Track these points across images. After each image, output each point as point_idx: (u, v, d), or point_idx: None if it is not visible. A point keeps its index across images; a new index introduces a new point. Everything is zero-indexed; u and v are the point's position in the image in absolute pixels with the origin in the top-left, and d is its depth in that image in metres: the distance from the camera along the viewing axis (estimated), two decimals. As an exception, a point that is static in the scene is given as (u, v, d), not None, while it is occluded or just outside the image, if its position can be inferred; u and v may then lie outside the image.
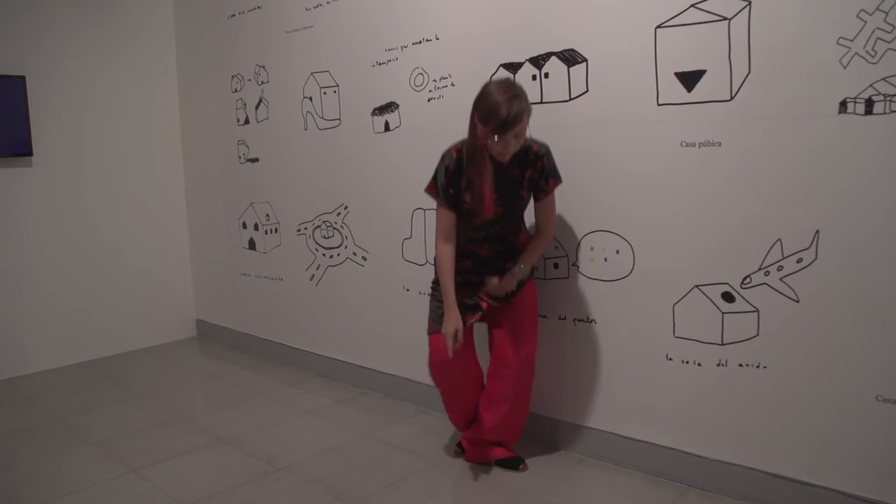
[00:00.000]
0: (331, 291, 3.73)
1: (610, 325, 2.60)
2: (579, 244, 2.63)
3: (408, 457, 2.80)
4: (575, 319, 2.69)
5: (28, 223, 4.03)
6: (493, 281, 2.50)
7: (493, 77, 2.40)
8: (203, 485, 2.64)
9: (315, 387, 3.72)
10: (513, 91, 2.28)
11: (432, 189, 2.57)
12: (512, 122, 2.25)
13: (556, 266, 2.71)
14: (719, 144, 2.26)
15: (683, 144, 2.33)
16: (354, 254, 3.55)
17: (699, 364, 2.40)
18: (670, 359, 2.46)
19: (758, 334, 2.26)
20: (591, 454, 2.73)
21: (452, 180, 2.48)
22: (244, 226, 4.23)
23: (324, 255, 3.73)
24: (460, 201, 2.49)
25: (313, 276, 3.81)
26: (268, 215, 4.04)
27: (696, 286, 2.36)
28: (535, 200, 2.54)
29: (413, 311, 3.26)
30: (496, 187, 2.44)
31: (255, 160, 4.06)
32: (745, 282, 2.26)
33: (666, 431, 2.52)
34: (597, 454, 2.71)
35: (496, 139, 2.29)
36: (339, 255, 3.64)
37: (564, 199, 2.64)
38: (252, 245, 4.19)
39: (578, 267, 2.65)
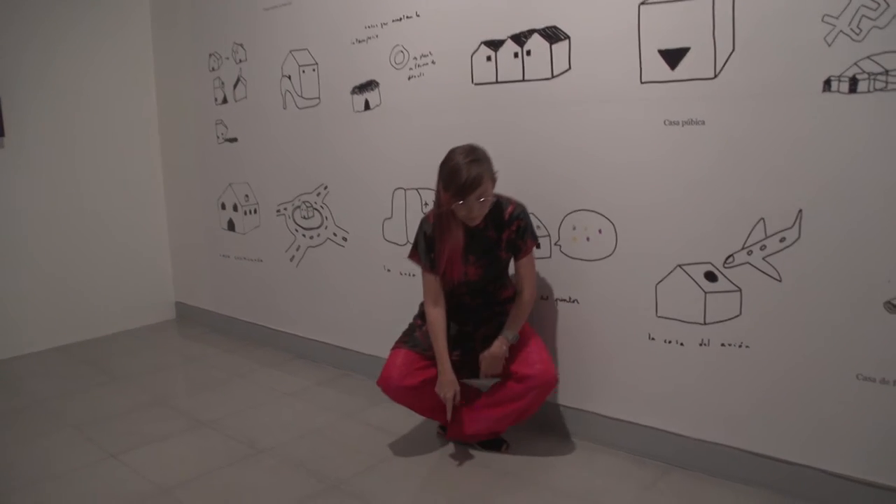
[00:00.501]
0: (311, 272, 3.69)
1: (592, 304, 2.59)
2: (561, 223, 2.61)
3: (389, 438, 2.79)
4: (557, 299, 2.68)
5: (0, 205, 3.94)
6: (486, 358, 2.52)
7: (457, 146, 2.43)
8: (183, 468, 2.61)
9: (296, 368, 3.69)
10: (474, 155, 2.33)
11: (415, 255, 2.58)
12: (471, 185, 2.28)
13: (538, 246, 2.69)
14: (703, 123, 2.24)
15: (667, 123, 2.31)
16: (335, 234, 3.51)
17: (682, 344, 2.39)
18: (653, 338, 2.46)
19: (740, 314, 2.26)
20: (574, 434, 2.73)
21: (432, 245, 2.50)
22: (223, 206, 4.17)
23: (304, 235, 3.68)
24: (441, 265, 2.51)
25: (293, 257, 3.77)
26: (247, 196, 3.98)
27: (679, 265, 2.35)
28: (514, 260, 2.54)
29: (394, 291, 3.23)
30: (473, 249, 2.48)
31: (234, 140, 4.00)
32: (727, 261, 2.26)
33: (649, 411, 2.52)
34: (580, 434, 2.71)
35: (461, 207, 2.33)
36: (319, 235, 3.60)
37: (547, 178, 2.62)
38: (231, 226, 4.13)
39: (561, 246, 2.63)
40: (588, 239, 2.55)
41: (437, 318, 2.54)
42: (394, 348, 2.63)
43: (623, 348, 2.54)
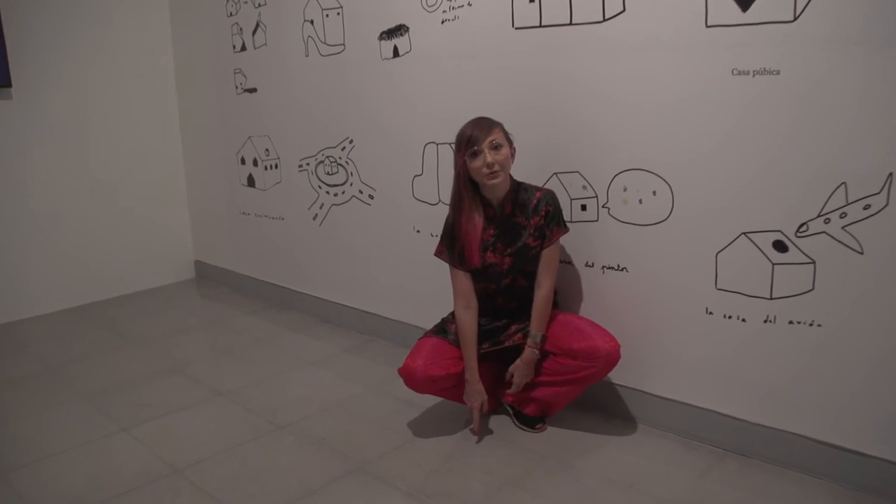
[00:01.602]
0: (335, 232, 3.48)
1: (643, 273, 2.35)
2: (611, 184, 2.36)
3: (417, 413, 2.60)
4: (604, 267, 2.44)
5: (10, 160, 3.76)
6: (519, 367, 2.36)
7: None
8: (198, 445, 2.45)
9: (319, 333, 3.51)
10: (482, 117, 2.27)
11: (442, 252, 2.44)
12: (483, 130, 2.19)
13: (583, 208, 2.45)
14: (777, 73, 1.96)
15: (735, 73, 2.03)
16: (360, 191, 3.28)
17: (743, 319, 2.15)
18: (710, 312, 2.21)
19: (813, 288, 2.01)
20: (618, 414, 2.52)
21: (458, 237, 2.34)
22: (242, 161, 3.95)
23: (327, 192, 3.46)
24: (458, 248, 2.37)
25: (316, 215, 3.55)
26: (267, 150, 3.76)
27: (744, 233, 2.10)
28: (541, 248, 2.35)
29: (423, 253, 3.00)
30: (502, 237, 2.33)
31: (253, 90, 3.75)
32: (800, 229, 1.99)
33: (703, 391, 2.29)
34: (626, 414, 2.50)
35: (475, 159, 2.19)
36: (343, 192, 3.38)
37: (595, 133, 2.36)
38: (251, 182, 3.92)
39: (609, 209, 2.38)
40: (641, 201, 2.30)
41: (468, 322, 2.36)
42: (421, 338, 2.46)
43: (677, 322, 2.30)
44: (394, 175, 3.10)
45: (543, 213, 2.29)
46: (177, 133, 4.40)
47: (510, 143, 2.27)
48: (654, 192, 2.26)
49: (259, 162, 3.82)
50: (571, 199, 2.47)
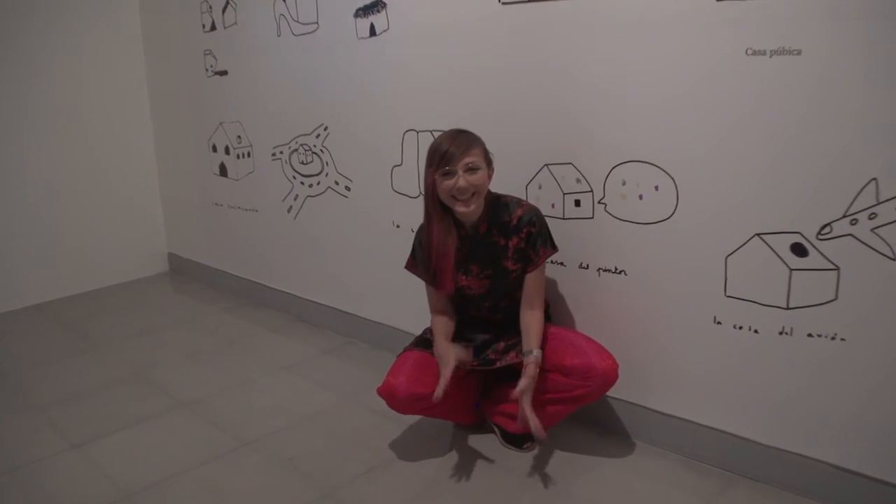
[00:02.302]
0: (311, 226, 3.24)
1: (644, 277, 2.11)
2: (608, 177, 2.11)
3: (395, 429, 2.36)
4: (600, 269, 2.20)
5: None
6: (526, 391, 1.96)
7: None
8: (153, 466, 2.22)
9: (295, 333, 3.28)
10: (461, 129, 2.03)
11: (413, 266, 2.24)
12: (461, 148, 1.94)
13: (577, 203, 2.21)
14: (798, 53, 1.71)
15: (750, 52, 1.78)
16: (336, 182, 3.04)
17: (756, 331, 1.92)
18: (719, 322, 1.98)
19: (836, 298, 1.77)
20: (615, 431, 2.30)
21: (429, 259, 2.13)
22: (214, 149, 3.69)
23: (301, 183, 3.21)
24: (431, 268, 2.15)
25: (291, 207, 3.31)
26: (239, 137, 3.50)
27: (758, 234, 1.86)
28: (524, 272, 2.11)
29: (403, 250, 2.72)
30: (475, 258, 2.11)
31: (224, 73, 3.49)
32: (823, 231, 1.76)
33: (709, 408, 2.07)
34: (622, 431, 2.28)
35: (446, 180, 1.96)
36: (318, 183, 3.13)
37: (591, 120, 2.11)
38: (223, 171, 3.67)
39: (606, 205, 2.14)
40: (641, 197, 2.06)
41: (440, 319, 2.18)
42: (402, 352, 2.22)
43: (681, 332, 2.07)
44: (372, 165, 2.86)
45: (524, 233, 2.06)
46: (147, 118, 4.14)
47: (489, 163, 2.03)
48: (657, 187, 2.02)
49: (231, 150, 3.57)
50: (564, 194, 2.23)
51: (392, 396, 2.07)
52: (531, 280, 2.08)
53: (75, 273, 3.96)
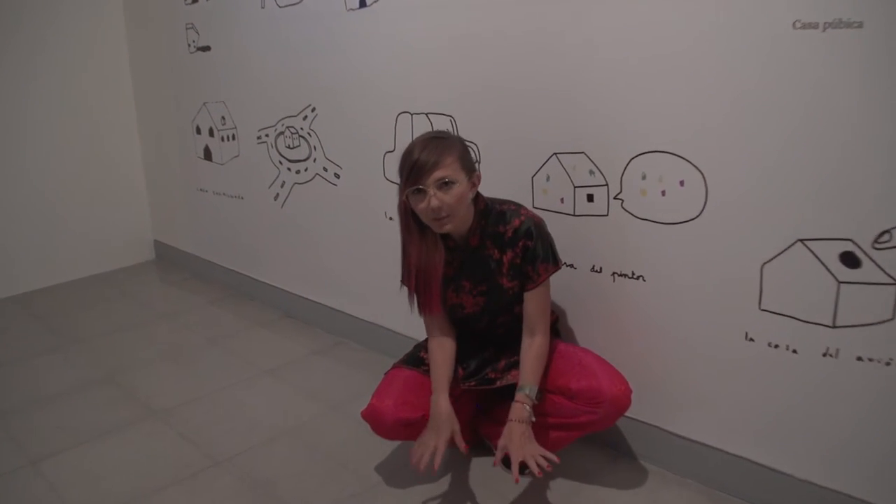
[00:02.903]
0: (298, 215, 2.98)
1: (665, 284, 1.85)
2: (626, 169, 1.85)
3: (384, 448, 2.11)
4: (615, 274, 1.94)
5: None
6: (511, 441, 1.71)
7: None
8: (113, 487, 2.00)
9: (282, 331, 3.04)
10: (436, 133, 1.76)
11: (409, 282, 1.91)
12: (431, 160, 1.64)
13: (590, 198, 1.94)
14: (859, 25, 1.43)
15: (799, 25, 1.50)
16: (325, 169, 2.78)
17: (794, 351, 1.66)
18: (751, 339, 1.72)
19: (893, 318, 1.51)
20: (627, 453, 2.05)
21: (415, 276, 1.85)
22: (198, 130, 3.43)
23: (288, 169, 2.95)
24: (411, 286, 1.88)
25: (277, 194, 3.05)
26: (223, 118, 3.24)
27: (801, 240, 1.59)
28: (523, 290, 1.83)
29: (396, 244, 2.48)
30: (467, 273, 1.84)
31: (207, 48, 3.22)
32: (881, 239, 1.49)
33: (737, 435, 1.81)
34: (636, 453, 2.03)
35: (417, 199, 1.68)
36: (306, 170, 2.87)
37: (608, 104, 1.84)
38: (208, 154, 3.41)
39: (623, 201, 1.88)
40: (664, 193, 1.79)
41: (439, 345, 1.89)
42: (390, 370, 1.97)
43: (706, 348, 1.81)
44: (362, 151, 2.59)
45: (520, 248, 1.78)
46: (129, 98, 3.87)
47: (471, 171, 1.73)
48: (682, 182, 1.75)
49: (215, 132, 3.31)
50: (575, 187, 1.96)
51: (377, 422, 1.83)
52: (531, 301, 1.81)
53: (53, 262, 3.72)
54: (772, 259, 1.64)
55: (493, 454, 1.98)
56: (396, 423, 1.81)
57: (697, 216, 1.74)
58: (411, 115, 2.37)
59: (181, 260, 3.88)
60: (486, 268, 1.81)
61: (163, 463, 2.11)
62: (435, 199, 1.64)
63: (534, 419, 1.74)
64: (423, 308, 1.85)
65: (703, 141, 1.68)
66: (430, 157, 1.64)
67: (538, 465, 1.64)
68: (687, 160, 1.72)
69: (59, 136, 3.63)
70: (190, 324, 3.16)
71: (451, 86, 2.20)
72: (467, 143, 2.16)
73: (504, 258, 1.80)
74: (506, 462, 1.84)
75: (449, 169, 1.65)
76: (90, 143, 3.74)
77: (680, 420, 1.92)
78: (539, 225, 1.79)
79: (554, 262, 1.80)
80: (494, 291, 1.83)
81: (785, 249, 1.62)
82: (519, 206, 1.83)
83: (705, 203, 1.72)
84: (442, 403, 1.78)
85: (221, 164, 3.33)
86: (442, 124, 2.26)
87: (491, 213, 1.80)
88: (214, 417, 2.35)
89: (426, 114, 2.31)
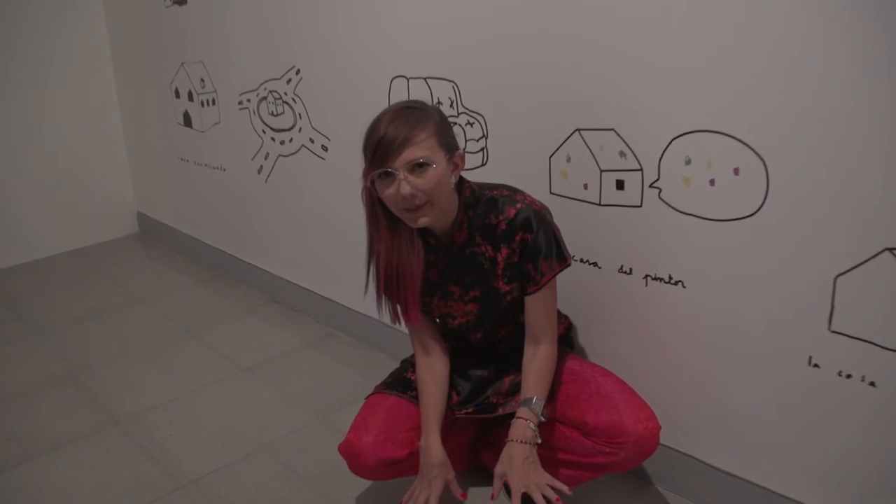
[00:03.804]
0: (283, 190, 2.66)
1: (710, 293, 1.52)
2: (665, 151, 1.50)
3: (375, 471, 1.83)
4: (647, 276, 1.62)
5: None
6: (510, 469, 1.40)
7: None
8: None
9: (268, 319, 2.74)
10: (408, 103, 1.39)
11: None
12: (400, 136, 1.30)
13: (620, 185, 1.60)
14: None
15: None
16: (311, 140, 2.44)
17: (872, 383, 1.33)
18: (816, 365, 1.40)
19: None
20: (662, 482, 1.75)
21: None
22: (177, 94, 3.10)
23: (272, 139, 2.62)
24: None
25: (261, 167, 2.72)
26: (202, 80, 2.90)
27: (889, 249, 1.25)
28: (524, 293, 1.50)
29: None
30: (458, 276, 1.52)
31: (183, 2, 2.86)
32: None
33: (793, 476, 1.50)
34: (668, 483, 1.73)
35: (385, 184, 1.34)
36: (291, 140, 2.53)
37: (643, 70, 1.49)
38: (187, 121, 3.08)
39: (661, 190, 1.54)
40: (713, 182, 1.45)
41: (428, 369, 1.58)
42: (371, 395, 1.65)
43: (758, 372, 1.49)
44: (352, 120, 2.22)
45: (518, 243, 1.45)
46: (107, 58, 3.53)
47: (451, 149, 1.40)
48: (737, 170, 1.40)
49: (195, 95, 2.97)
50: (602, 171, 1.62)
51: (355, 462, 1.53)
52: (533, 306, 1.49)
53: (28, 237, 3.44)
54: (849, 270, 1.30)
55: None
56: (377, 464, 1.51)
57: (755, 213, 1.40)
58: (407, 79, 2.02)
59: (165, 235, 3.58)
60: (478, 268, 1.49)
61: (118, 486, 1.83)
62: (406, 184, 1.31)
63: (539, 440, 1.43)
64: (396, 321, 1.53)
65: (767, 118, 1.33)
66: (399, 133, 1.30)
67: (545, 499, 1.33)
68: (744, 143, 1.37)
69: (31, 99, 3.31)
70: (167, 310, 2.86)
71: (453, 46, 1.85)
72: (473, 115, 1.85)
73: (498, 256, 1.47)
74: (507, 492, 1.55)
75: (423, 147, 1.32)
76: (64, 106, 3.42)
77: (721, 452, 1.61)
78: (540, 213, 1.45)
79: (560, 259, 1.47)
80: (489, 297, 1.51)
81: (867, 260, 1.28)
82: (514, 190, 1.49)
83: (766, 197, 1.38)
84: (433, 449, 1.47)
85: (202, 132, 3.00)
86: (443, 91, 1.92)
87: (479, 202, 1.46)
88: (182, 428, 2.07)
89: (425, 78, 1.97)
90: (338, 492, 1.77)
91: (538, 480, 1.37)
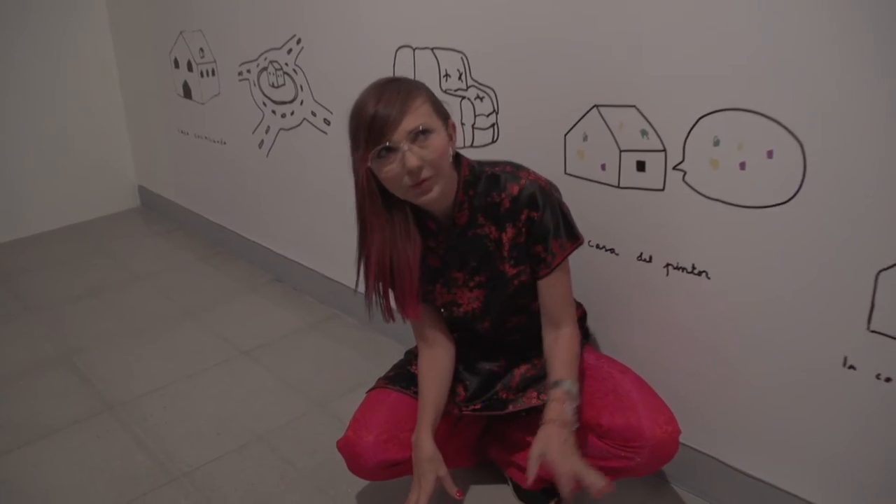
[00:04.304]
0: (285, 166, 2.55)
1: (736, 285, 1.41)
2: (691, 131, 1.38)
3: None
4: (669, 265, 1.50)
5: None
6: (554, 451, 1.22)
7: None
8: (41, 515, 1.65)
9: (270, 298, 2.65)
10: (389, 78, 1.29)
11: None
12: (396, 107, 1.19)
13: (641, 167, 1.48)
14: None
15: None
16: (313, 113, 2.32)
17: (916, 386, 1.22)
18: (852, 367, 1.28)
19: None
20: (679, 481, 1.65)
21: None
22: (176, 64, 2.97)
23: (273, 112, 2.50)
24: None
25: (262, 141, 2.61)
26: (202, 50, 2.77)
27: (941, 241, 1.13)
28: (536, 277, 1.38)
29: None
30: (463, 262, 1.40)
31: (181, -35, 2.74)
32: None
33: (826, 483, 1.40)
34: (688, 485, 1.63)
35: (386, 163, 1.22)
36: (292, 113, 2.42)
37: (667, 40, 1.36)
38: (187, 92, 2.96)
39: (686, 173, 1.41)
40: (743, 166, 1.32)
41: (429, 357, 1.47)
42: (373, 389, 1.54)
43: (789, 372, 1.38)
44: (355, 92, 2.08)
45: (524, 222, 1.33)
46: (106, 25, 3.40)
47: (445, 117, 1.29)
48: (770, 153, 1.28)
49: (194, 65, 2.85)
50: (621, 151, 1.50)
51: (354, 462, 1.43)
52: (548, 290, 1.37)
53: (27, 211, 3.35)
54: (892, 266, 1.18)
55: (508, 483, 1.61)
56: (378, 466, 1.41)
57: (789, 199, 1.28)
58: (413, 49, 1.90)
59: (167, 209, 3.49)
60: (482, 251, 1.37)
61: (108, 478, 1.75)
62: (411, 155, 1.19)
63: (577, 425, 1.30)
64: (389, 318, 1.42)
65: (807, 97, 1.20)
66: (392, 105, 1.19)
67: (594, 483, 1.16)
68: (780, 123, 1.24)
69: (28, 69, 3.20)
70: (167, 288, 2.77)
71: (463, 13, 1.73)
72: (483, 88, 1.73)
73: (503, 237, 1.35)
74: (529, 498, 1.46)
75: (420, 114, 1.21)
76: (64, 75, 3.30)
77: (744, 454, 1.51)
78: (546, 189, 1.33)
79: (571, 237, 1.35)
80: (495, 281, 1.39)
81: (916, 252, 1.16)
82: (517, 166, 1.37)
83: (802, 182, 1.25)
84: (423, 443, 1.36)
85: (202, 104, 2.88)
86: (451, 63, 1.79)
87: (480, 180, 1.35)
88: (176, 415, 1.99)
89: (431, 49, 1.84)
90: (336, 487, 1.68)
91: (580, 467, 1.21)
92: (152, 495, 1.69)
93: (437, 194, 1.25)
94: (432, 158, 1.21)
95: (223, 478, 1.73)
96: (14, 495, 1.70)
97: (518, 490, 1.61)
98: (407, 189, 1.24)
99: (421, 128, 1.20)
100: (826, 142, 1.20)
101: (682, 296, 1.49)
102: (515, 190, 1.32)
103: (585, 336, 1.60)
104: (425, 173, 1.22)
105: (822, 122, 1.19)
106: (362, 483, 1.66)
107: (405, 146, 1.19)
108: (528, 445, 1.49)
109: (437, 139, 1.22)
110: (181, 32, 2.85)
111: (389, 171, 1.21)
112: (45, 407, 2.05)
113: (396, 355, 2.17)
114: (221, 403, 2.03)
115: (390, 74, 1.92)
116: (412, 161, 1.19)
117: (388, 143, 1.19)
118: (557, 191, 1.37)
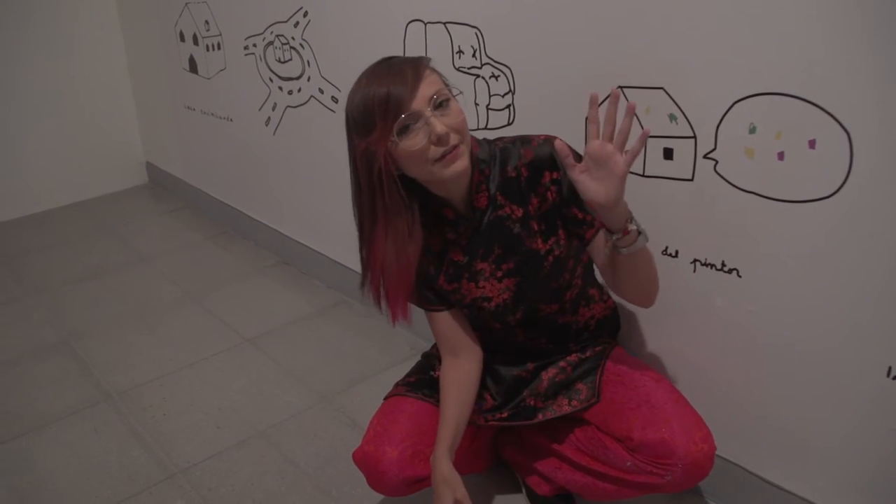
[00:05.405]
0: (292, 144, 2.45)
1: (770, 285, 1.29)
2: (724, 116, 1.25)
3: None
4: (696, 261, 1.39)
5: None
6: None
7: None
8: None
9: (276, 282, 2.57)
10: (383, 59, 1.16)
11: (419, 300, 1.39)
12: (409, 80, 1.08)
13: (668, 154, 1.37)
14: None
15: None
16: (320, 90, 2.21)
17: (971, 401, 1.11)
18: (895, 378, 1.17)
19: None
20: (706, 491, 1.55)
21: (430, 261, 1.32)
22: (181, 37, 2.87)
23: (280, 88, 2.40)
24: (441, 288, 1.32)
25: (269, 118, 2.51)
26: (207, 23, 2.66)
27: None
28: (583, 241, 1.26)
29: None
30: (482, 250, 1.28)
31: (185, -68, 2.62)
32: None
33: (868, 499, 1.29)
34: (716, 495, 1.54)
35: (410, 137, 1.09)
36: (299, 90, 2.31)
37: (702, 17, 1.23)
38: (193, 66, 2.86)
39: (717, 162, 1.30)
40: (782, 156, 1.20)
41: (452, 371, 1.35)
42: (391, 395, 1.43)
43: (827, 380, 1.27)
44: (364, 68, 2.01)
45: (545, 185, 1.22)
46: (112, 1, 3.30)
47: (447, 85, 1.16)
48: (813, 143, 1.16)
49: (199, 39, 2.74)
50: (647, 137, 1.38)
51: (375, 478, 1.32)
52: (602, 248, 1.22)
53: (32, 188, 3.28)
54: (952, 268, 1.07)
55: (521, 489, 1.52)
56: (403, 483, 1.31)
57: (833, 194, 1.16)
58: (425, 24, 1.78)
59: (175, 186, 3.40)
60: (508, 234, 1.26)
61: (102, 474, 1.68)
62: (437, 121, 1.08)
63: (647, 239, 1.14)
64: (390, 311, 1.28)
65: (856, 82, 1.08)
66: (404, 79, 1.08)
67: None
68: (824, 110, 1.12)
69: (32, 41, 3.10)
70: (171, 270, 2.70)
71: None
72: (498, 67, 1.62)
73: (529, 209, 1.24)
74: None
75: (433, 81, 1.11)
76: (69, 47, 3.21)
77: (776, 465, 1.41)
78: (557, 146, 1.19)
79: None
80: (527, 265, 1.27)
81: (977, 256, 1.04)
82: (524, 135, 1.26)
83: (847, 176, 1.13)
84: (440, 465, 1.26)
85: (208, 79, 2.78)
86: (465, 39, 1.67)
87: (492, 155, 1.24)
88: (176, 406, 1.91)
89: (444, 23, 1.72)
90: (339, 488, 1.60)
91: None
92: (147, 493, 1.62)
93: (467, 163, 1.14)
94: (456, 124, 1.11)
95: (221, 476, 1.66)
96: (4, 490, 1.64)
97: (532, 496, 1.51)
98: (434, 163, 1.12)
99: (438, 94, 1.09)
100: (876, 131, 1.08)
101: (712, 294, 1.38)
102: (530, 155, 1.22)
103: (618, 328, 1.49)
104: (453, 140, 1.11)
105: (872, 109, 1.07)
106: (367, 487, 1.58)
107: (428, 112, 1.08)
108: (548, 452, 1.41)
109: (456, 105, 1.12)
110: (186, 4, 2.73)
111: (413, 144, 1.09)
112: (42, 395, 1.98)
113: (406, 345, 2.10)
114: (223, 395, 1.95)
115: (400, 51, 1.82)
116: (439, 127, 1.08)
117: (411, 112, 1.08)
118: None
